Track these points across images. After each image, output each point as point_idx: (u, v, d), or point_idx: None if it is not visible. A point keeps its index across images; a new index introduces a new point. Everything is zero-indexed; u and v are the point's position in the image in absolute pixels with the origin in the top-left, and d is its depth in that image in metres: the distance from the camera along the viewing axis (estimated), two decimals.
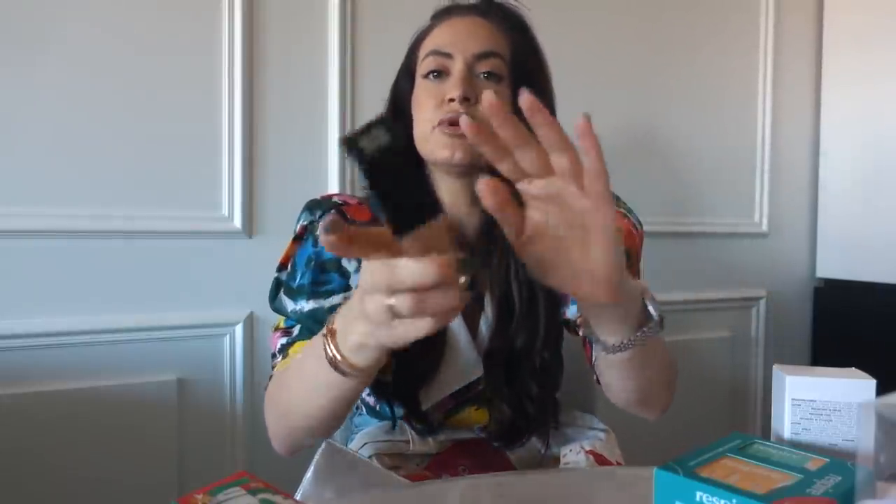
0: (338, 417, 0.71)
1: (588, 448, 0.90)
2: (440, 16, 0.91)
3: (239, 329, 1.32)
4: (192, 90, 1.27)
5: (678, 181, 1.84)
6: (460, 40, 0.84)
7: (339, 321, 0.59)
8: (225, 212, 1.31)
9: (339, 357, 0.58)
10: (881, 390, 0.64)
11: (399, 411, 0.88)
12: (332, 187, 1.38)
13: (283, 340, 0.84)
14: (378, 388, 0.88)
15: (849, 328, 1.97)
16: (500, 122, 0.52)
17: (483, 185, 0.53)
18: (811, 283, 2.07)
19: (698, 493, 0.50)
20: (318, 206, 0.89)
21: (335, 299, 0.83)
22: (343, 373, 0.59)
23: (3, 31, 1.14)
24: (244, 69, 1.30)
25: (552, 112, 0.89)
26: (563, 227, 0.55)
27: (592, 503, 0.76)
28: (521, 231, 0.56)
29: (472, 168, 0.82)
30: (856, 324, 1.94)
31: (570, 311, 0.88)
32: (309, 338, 0.79)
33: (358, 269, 0.83)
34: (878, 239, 1.89)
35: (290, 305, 0.85)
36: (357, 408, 0.97)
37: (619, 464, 0.91)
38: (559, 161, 0.53)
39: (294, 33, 1.36)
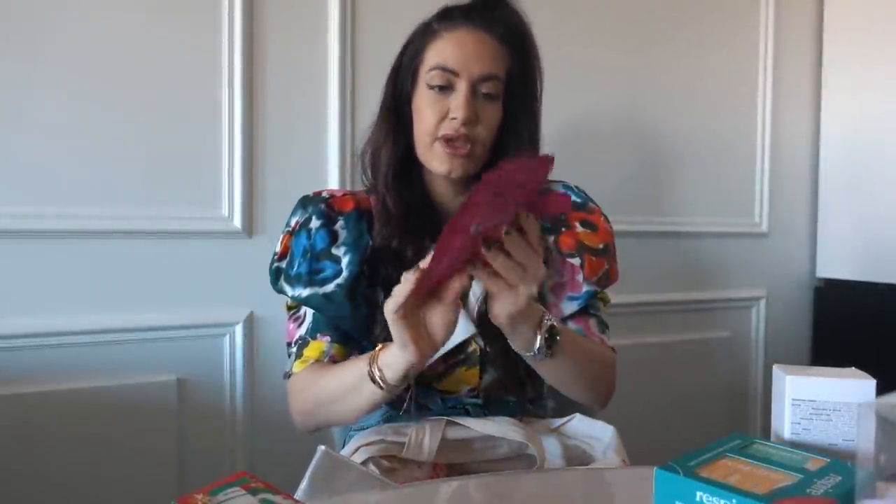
0: (362, 414, 0.89)
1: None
2: (447, 22, 0.98)
3: (239, 329, 1.32)
4: (192, 90, 1.27)
5: (678, 181, 1.84)
6: (467, 60, 0.94)
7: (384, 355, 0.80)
8: (225, 212, 1.31)
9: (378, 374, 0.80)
10: (881, 390, 0.65)
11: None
12: (332, 186, 1.37)
13: (301, 332, 0.98)
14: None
15: (848, 328, 1.96)
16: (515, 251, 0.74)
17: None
18: (811, 283, 2.07)
19: (698, 493, 0.50)
20: (310, 202, 1.01)
21: (329, 287, 0.95)
22: (380, 387, 0.80)
23: (3, 31, 1.14)
24: (244, 69, 1.30)
25: (536, 117, 1.03)
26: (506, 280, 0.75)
27: (592, 503, 0.76)
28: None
29: (464, 178, 0.97)
30: (855, 324, 1.94)
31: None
32: (318, 335, 0.96)
33: (346, 256, 0.97)
34: (878, 239, 1.89)
35: (289, 291, 0.98)
36: None
37: (625, 462, 0.91)
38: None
39: (294, 33, 1.36)
